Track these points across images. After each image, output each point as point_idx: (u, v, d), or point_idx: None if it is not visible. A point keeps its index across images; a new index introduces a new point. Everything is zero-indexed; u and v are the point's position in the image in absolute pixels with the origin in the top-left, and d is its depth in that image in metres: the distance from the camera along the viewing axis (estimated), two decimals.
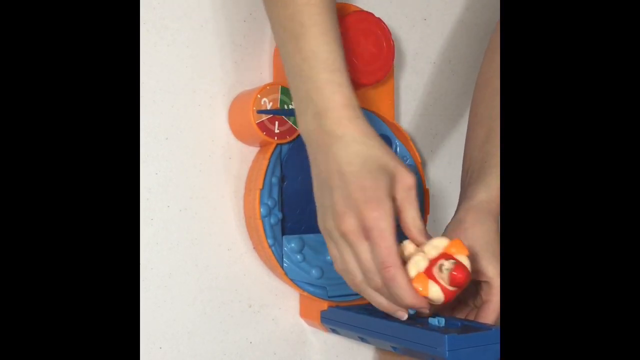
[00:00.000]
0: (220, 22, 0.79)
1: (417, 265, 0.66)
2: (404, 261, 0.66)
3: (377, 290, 0.65)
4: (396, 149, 0.83)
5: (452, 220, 0.76)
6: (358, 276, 0.65)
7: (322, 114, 0.64)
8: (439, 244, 0.66)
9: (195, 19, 0.77)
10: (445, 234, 0.75)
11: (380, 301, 0.67)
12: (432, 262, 0.66)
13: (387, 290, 0.64)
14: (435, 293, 0.65)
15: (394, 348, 0.71)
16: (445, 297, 0.65)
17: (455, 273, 0.64)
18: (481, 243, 0.74)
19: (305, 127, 0.65)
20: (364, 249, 0.63)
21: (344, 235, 0.63)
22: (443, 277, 0.65)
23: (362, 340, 0.75)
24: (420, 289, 0.65)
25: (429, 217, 0.83)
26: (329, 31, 0.64)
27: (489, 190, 0.76)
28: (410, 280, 0.64)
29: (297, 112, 0.66)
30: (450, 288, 0.65)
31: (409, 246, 0.67)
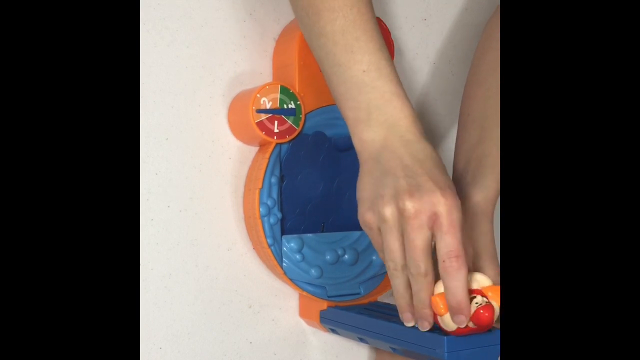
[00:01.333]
0: (220, 22, 0.79)
1: None
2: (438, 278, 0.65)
3: (414, 277, 0.64)
4: None
5: None
6: (400, 263, 0.64)
7: (393, 122, 0.65)
8: (480, 280, 0.65)
9: (195, 19, 0.77)
10: None
11: (404, 294, 0.66)
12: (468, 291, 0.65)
13: (444, 278, 0.63)
14: (450, 320, 0.65)
15: (393, 349, 0.71)
16: (457, 330, 0.65)
17: (482, 311, 0.63)
18: (480, 245, 0.74)
19: (369, 134, 0.66)
20: (422, 235, 0.62)
21: (407, 218, 0.62)
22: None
23: (362, 340, 0.75)
24: (441, 306, 0.64)
25: None
26: (383, 45, 0.67)
27: (486, 191, 0.76)
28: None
29: (353, 119, 0.67)
30: (469, 324, 0.64)
31: None
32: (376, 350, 0.85)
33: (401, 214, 0.63)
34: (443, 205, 0.62)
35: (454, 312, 0.63)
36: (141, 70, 0.74)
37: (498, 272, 0.74)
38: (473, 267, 0.74)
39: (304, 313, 0.81)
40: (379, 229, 0.65)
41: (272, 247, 0.76)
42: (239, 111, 0.77)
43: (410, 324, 0.67)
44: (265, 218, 0.76)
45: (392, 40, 0.79)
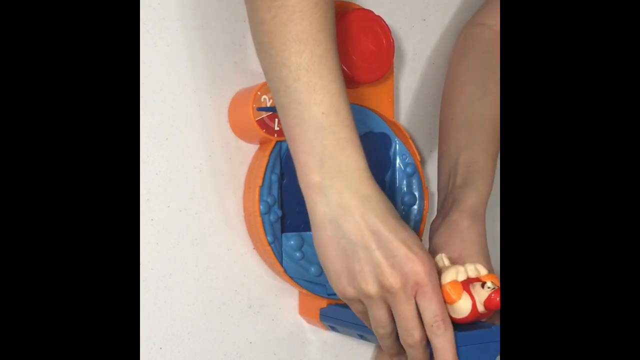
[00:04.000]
0: (220, 22, 0.79)
1: (457, 273, 0.67)
2: (439, 272, 0.67)
3: (411, 345, 0.64)
4: (396, 147, 0.83)
5: (443, 221, 0.77)
6: (390, 329, 0.65)
7: (345, 172, 0.63)
8: (480, 269, 0.68)
9: (195, 19, 0.77)
10: (437, 234, 0.76)
11: (399, 350, 0.67)
12: (470, 279, 0.67)
13: (432, 340, 0.63)
14: (463, 305, 0.66)
15: None
16: (469, 315, 0.66)
17: (493, 295, 0.65)
18: (476, 247, 0.75)
19: (321, 181, 0.63)
20: (410, 306, 0.63)
21: (393, 294, 0.62)
22: (481, 295, 0.66)
23: (361, 337, 0.75)
24: (454, 294, 0.65)
25: (427, 215, 0.83)
26: (344, 88, 0.64)
27: (479, 195, 0.77)
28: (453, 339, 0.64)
29: (304, 165, 0.64)
30: (480, 308, 0.66)
31: (445, 259, 0.69)
32: (377, 347, 0.85)
33: (387, 290, 0.62)
34: (423, 274, 0.62)
35: None
36: (141, 70, 0.74)
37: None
38: None
39: (303, 311, 0.81)
40: (361, 301, 0.65)
41: (272, 245, 0.76)
42: (239, 109, 0.77)
43: None
44: (266, 216, 0.76)
45: (393, 39, 0.79)
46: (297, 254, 0.77)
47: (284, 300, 0.81)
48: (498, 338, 0.66)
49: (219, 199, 0.78)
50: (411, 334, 0.63)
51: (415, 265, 0.62)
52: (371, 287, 0.63)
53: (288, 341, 0.82)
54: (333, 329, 0.79)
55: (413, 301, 0.63)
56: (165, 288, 0.76)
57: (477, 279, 0.67)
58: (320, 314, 0.79)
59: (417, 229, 0.82)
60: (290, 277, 0.77)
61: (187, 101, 0.77)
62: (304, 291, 0.78)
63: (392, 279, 0.62)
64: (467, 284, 0.66)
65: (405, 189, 0.83)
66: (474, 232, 0.75)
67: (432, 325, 0.63)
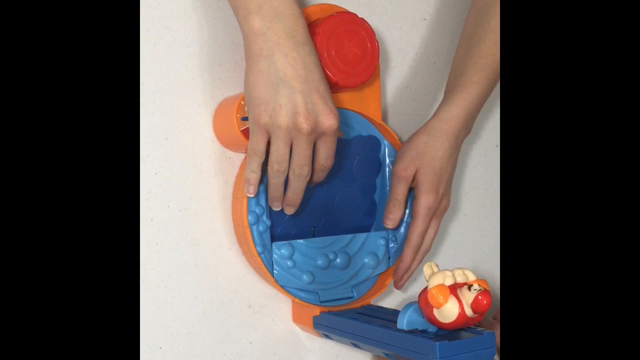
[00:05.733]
0: (220, 22, 0.79)
1: (444, 278, 0.67)
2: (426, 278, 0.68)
3: (298, 177, 0.72)
4: (385, 150, 0.83)
5: (411, 137, 0.80)
6: (284, 165, 0.71)
7: (280, 13, 0.68)
8: (468, 275, 0.68)
9: (195, 19, 0.77)
10: (399, 151, 0.80)
11: (280, 190, 0.74)
12: (458, 284, 0.67)
13: (317, 173, 0.73)
14: (451, 309, 0.66)
15: (387, 355, 0.71)
16: (457, 318, 0.66)
17: (481, 297, 0.65)
18: (427, 159, 0.78)
19: (260, 23, 0.68)
20: (309, 147, 0.71)
21: (299, 133, 0.69)
22: (467, 297, 0.66)
23: (355, 346, 0.75)
24: (440, 297, 0.65)
25: None
26: None
27: (450, 109, 0.79)
28: None
29: (243, 8, 0.69)
30: (468, 312, 0.66)
31: (434, 267, 0.70)
32: (373, 357, 0.85)
33: (297, 129, 0.69)
34: (332, 128, 0.70)
35: (287, 202, 0.74)
36: (141, 70, 0.74)
37: (429, 191, 0.79)
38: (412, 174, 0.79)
39: (297, 319, 0.81)
40: (268, 132, 0.70)
41: (262, 255, 0.75)
42: (223, 119, 0.76)
43: (278, 209, 0.75)
44: (254, 226, 0.75)
45: (377, 42, 0.76)
46: (288, 263, 0.76)
47: (284, 300, 0.81)
48: (492, 344, 0.66)
49: (219, 198, 0.78)
50: (302, 168, 0.72)
51: (329, 119, 0.69)
52: (284, 120, 0.69)
53: (288, 341, 0.82)
54: (327, 336, 0.78)
55: (313, 146, 0.71)
56: (165, 288, 0.76)
57: (464, 284, 0.67)
58: (313, 322, 0.78)
59: (407, 232, 0.82)
60: (282, 286, 0.76)
61: (187, 101, 0.77)
62: (297, 300, 0.77)
63: (306, 122, 0.69)
64: (454, 289, 0.66)
65: None
66: (430, 145, 0.78)
67: (322, 164, 0.73)
